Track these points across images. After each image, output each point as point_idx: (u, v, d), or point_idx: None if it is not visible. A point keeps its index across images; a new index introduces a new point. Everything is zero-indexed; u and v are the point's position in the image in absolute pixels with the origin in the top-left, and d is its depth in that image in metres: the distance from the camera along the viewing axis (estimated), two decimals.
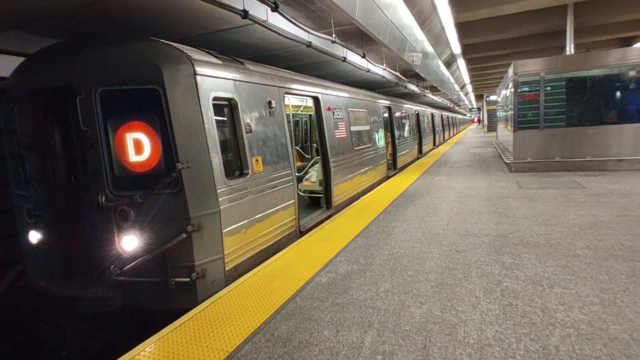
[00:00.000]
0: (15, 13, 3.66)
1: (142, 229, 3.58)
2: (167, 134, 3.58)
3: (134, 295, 3.64)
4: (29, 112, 3.95)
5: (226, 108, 4.27)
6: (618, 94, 8.81)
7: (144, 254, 3.54)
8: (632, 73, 8.58)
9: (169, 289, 3.55)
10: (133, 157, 3.67)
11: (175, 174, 3.54)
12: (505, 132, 13.51)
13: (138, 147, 3.66)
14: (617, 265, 3.51)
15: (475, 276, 3.47)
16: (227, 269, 3.89)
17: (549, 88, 9.12)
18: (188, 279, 3.58)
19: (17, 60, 4.19)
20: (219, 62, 4.23)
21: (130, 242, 3.58)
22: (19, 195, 4.22)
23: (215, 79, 4.01)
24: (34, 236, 4.00)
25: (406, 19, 8.15)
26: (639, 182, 7.15)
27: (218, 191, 3.81)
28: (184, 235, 3.55)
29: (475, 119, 61.07)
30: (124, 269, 3.52)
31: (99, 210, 3.64)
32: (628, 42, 16.50)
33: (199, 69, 3.79)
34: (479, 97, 45.02)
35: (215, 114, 3.94)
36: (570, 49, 11.97)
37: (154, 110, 3.60)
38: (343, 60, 7.45)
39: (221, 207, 3.83)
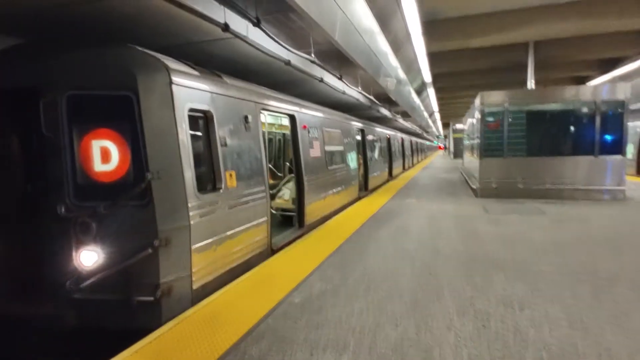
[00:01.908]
0: None
1: (104, 242, 3.35)
2: (138, 143, 3.42)
3: (90, 314, 3.37)
4: None
5: (201, 120, 4.16)
6: (572, 128, 9.40)
7: (105, 270, 3.31)
8: (584, 109, 9.20)
9: (131, 308, 3.31)
10: (99, 166, 3.48)
11: (144, 185, 3.37)
12: (471, 159, 14.04)
13: (105, 155, 3.47)
14: (580, 286, 3.63)
15: (449, 297, 3.48)
16: (194, 287, 3.69)
17: (511, 119, 9.61)
18: (152, 298, 3.35)
19: None
20: (197, 73, 4.15)
21: (90, 257, 3.34)
22: None
23: (191, 90, 3.92)
24: None
25: (382, 45, 8.42)
26: (595, 210, 7.56)
27: (189, 205, 3.65)
28: (150, 250, 3.35)
29: (442, 146, 63.35)
30: (81, 285, 3.26)
31: (57, 222, 3.39)
32: (582, 80, 17.84)
33: (176, 79, 3.69)
34: (446, 125, 46.86)
35: (190, 126, 3.82)
36: (530, 83, 12.76)
37: (125, 118, 3.45)
38: (320, 81, 7.55)
39: (191, 222, 3.66)
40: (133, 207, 3.41)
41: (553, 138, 9.44)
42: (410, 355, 2.57)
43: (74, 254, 3.37)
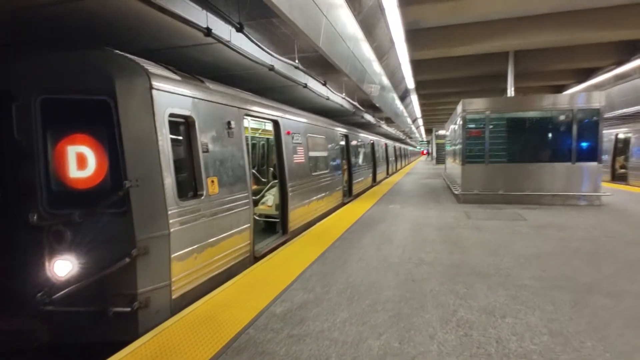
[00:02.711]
0: None
1: (79, 251, 3.24)
2: (116, 149, 3.32)
3: (63, 328, 3.23)
4: None
5: (182, 126, 4.08)
6: (550, 135, 9.64)
7: (80, 280, 3.18)
8: (561, 117, 9.45)
9: (106, 320, 3.19)
10: (74, 173, 3.36)
11: (122, 192, 3.27)
12: (453, 165, 14.24)
13: (81, 161, 3.36)
14: (560, 295, 3.68)
15: (431, 306, 3.48)
16: (174, 297, 3.59)
17: (492, 126, 9.79)
18: (129, 309, 3.25)
19: None
20: (178, 77, 4.06)
21: (63, 267, 3.22)
22: None
23: (172, 95, 3.83)
24: None
25: (366, 52, 8.47)
26: (572, 216, 7.74)
27: (169, 212, 3.56)
28: (128, 259, 3.25)
29: (425, 152, 64.18)
30: (54, 297, 3.13)
31: (29, 230, 3.25)
32: (559, 89, 18.37)
33: (156, 83, 3.60)
34: (428, 131, 47.51)
35: (171, 132, 3.74)
36: (510, 91, 13.06)
37: (102, 123, 3.35)
38: (304, 87, 7.54)
39: (171, 230, 3.57)
40: (110, 215, 3.31)
41: (532, 145, 9.65)
42: None
43: (46, 264, 3.24)
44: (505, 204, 9.33)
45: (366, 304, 3.53)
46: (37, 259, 3.23)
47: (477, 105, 9.96)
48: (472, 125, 10.03)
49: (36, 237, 3.26)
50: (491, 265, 4.60)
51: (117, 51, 3.64)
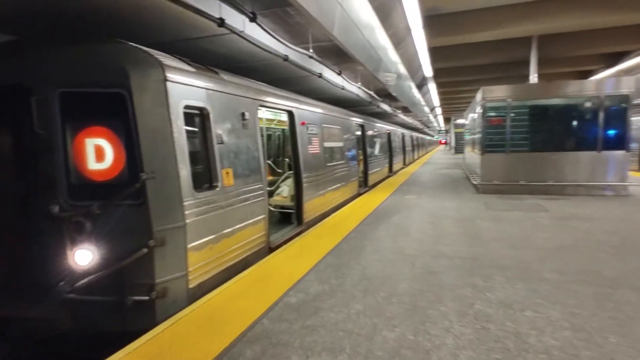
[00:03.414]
0: None
1: (98, 242, 3.30)
2: (132, 142, 3.35)
3: (84, 316, 3.32)
4: None
5: (197, 117, 4.09)
6: (575, 122, 9.30)
7: (99, 270, 3.26)
8: (587, 104, 9.08)
9: (125, 309, 3.26)
10: (93, 165, 3.41)
11: (139, 184, 3.31)
12: (472, 155, 13.94)
13: (99, 153, 3.41)
14: (583, 289, 3.56)
15: (448, 299, 3.42)
16: (190, 287, 3.64)
17: (514, 114, 9.50)
18: (147, 298, 3.31)
19: None
20: (192, 69, 4.06)
21: (84, 257, 3.29)
22: None
23: (187, 87, 3.84)
24: None
25: (382, 40, 8.30)
26: (597, 207, 7.48)
27: (184, 204, 3.59)
28: (145, 250, 3.30)
29: (443, 141, 63.13)
30: (75, 286, 3.21)
31: (51, 221, 3.33)
32: (586, 75, 17.65)
33: (170, 75, 3.61)
34: (447, 120, 46.65)
35: (186, 123, 3.75)
36: (533, 78, 12.62)
37: (118, 116, 3.38)
38: (319, 77, 7.45)
39: (187, 221, 3.61)
40: (127, 207, 3.35)
41: (555, 133, 9.34)
42: (408, 359, 2.51)
43: (68, 253, 3.32)
44: (527, 195, 9.09)
45: (381, 296, 3.50)
46: (59, 249, 3.32)
47: (498, 92, 9.68)
48: (493, 114, 9.77)
49: (57, 228, 3.34)
50: (511, 258, 4.49)
51: (131, 44, 3.66)
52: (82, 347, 3.28)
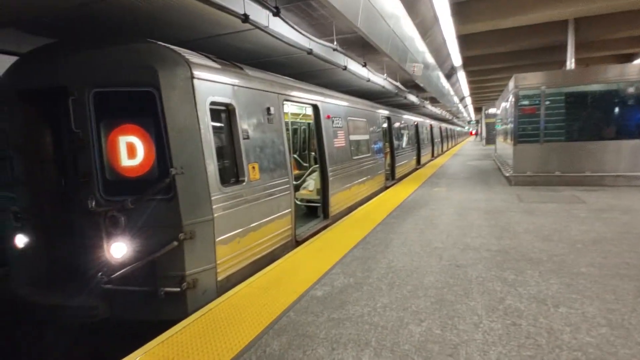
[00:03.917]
0: (9, 12, 3.56)
1: (132, 235, 3.45)
2: (162, 138, 3.47)
3: (120, 305, 3.49)
4: (19, 113, 3.83)
5: (223, 113, 4.17)
6: (616, 109, 8.79)
7: (134, 262, 3.40)
8: (630, 89, 8.57)
9: (158, 299, 3.40)
10: (125, 161, 3.56)
11: (168, 180, 3.42)
12: (504, 145, 13.48)
13: (131, 150, 3.54)
14: (623, 284, 3.39)
15: (477, 293, 3.35)
16: (219, 279, 3.75)
17: (549, 102, 9.09)
18: (178, 289, 3.43)
19: (13, 60, 4.07)
20: (218, 66, 4.14)
21: (119, 249, 3.44)
22: (5, 197, 4.07)
23: (213, 83, 3.91)
24: (20, 240, 3.86)
25: (408, 29, 8.12)
26: (638, 198, 7.08)
27: (212, 198, 3.69)
28: (176, 243, 3.41)
29: (474, 132, 61.32)
30: (112, 276, 3.38)
31: (88, 215, 3.50)
32: (627, 58, 16.61)
33: (197, 73, 3.69)
34: (477, 110, 45.25)
35: (212, 119, 3.83)
36: (570, 63, 11.99)
37: (148, 114, 3.49)
38: (344, 69, 7.39)
39: (215, 215, 3.70)
40: (158, 202, 3.47)
41: (594, 122, 8.87)
42: (434, 353, 2.49)
43: (104, 246, 3.48)
44: (562, 186, 8.71)
45: (407, 290, 3.47)
46: (97, 241, 3.49)
47: (532, 80, 9.27)
48: (526, 102, 9.39)
49: (95, 222, 3.50)
50: (544, 251, 4.33)
51: (160, 43, 3.76)
52: (119, 335, 3.44)
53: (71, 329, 3.51)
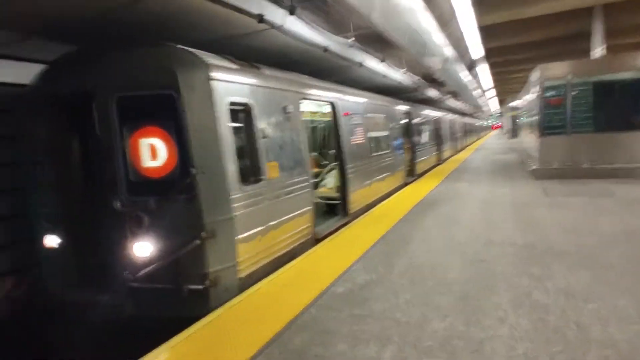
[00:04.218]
0: (36, 21, 3.71)
1: (155, 234, 3.53)
2: (182, 139, 3.54)
3: (146, 302, 3.58)
4: (47, 118, 3.98)
5: (241, 113, 4.21)
6: None
7: (158, 260, 3.49)
8: None
9: (182, 296, 3.47)
10: (148, 163, 3.65)
11: (189, 179, 3.49)
12: (529, 138, 13.10)
13: (153, 152, 3.63)
14: None
15: (502, 288, 3.27)
16: (240, 276, 3.79)
17: (576, 92, 8.76)
18: (201, 287, 3.50)
19: (41, 68, 4.23)
20: (235, 66, 4.19)
21: (143, 248, 3.54)
22: (36, 199, 4.23)
23: (230, 84, 3.96)
24: (50, 241, 4.01)
25: (426, 22, 8.00)
26: None
27: (232, 197, 3.73)
28: (198, 241, 3.48)
29: (498, 125, 59.83)
30: (137, 275, 3.47)
31: (114, 216, 3.61)
32: None
33: (214, 74, 3.74)
34: (501, 103, 44.14)
35: (231, 119, 3.88)
36: (598, 51, 11.53)
37: (169, 116, 3.57)
38: (360, 66, 7.33)
39: (235, 214, 3.74)
40: (180, 201, 3.55)
41: (625, 111, 8.50)
42: (459, 349, 2.44)
43: (130, 245, 3.59)
44: (590, 179, 8.39)
45: (430, 286, 3.42)
46: (122, 240, 3.60)
47: (557, 70, 8.98)
48: (551, 93, 9.09)
49: (120, 222, 3.62)
50: (572, 245, 4.19)
51: (178, 46, 3.84)
52: (144, 332, 3.54)
53: (98, 326, 3.62)
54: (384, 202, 7.47)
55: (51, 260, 4.07)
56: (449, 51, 11.28)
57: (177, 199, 3.53)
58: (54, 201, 4.04)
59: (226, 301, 3.43)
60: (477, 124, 43.49)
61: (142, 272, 3.46)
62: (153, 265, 3.47)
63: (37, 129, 4.06)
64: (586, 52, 12.99)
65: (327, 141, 11.52)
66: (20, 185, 4.33)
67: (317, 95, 5.83)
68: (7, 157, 4.41)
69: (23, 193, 4.33)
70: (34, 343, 3.91)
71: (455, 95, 19.45)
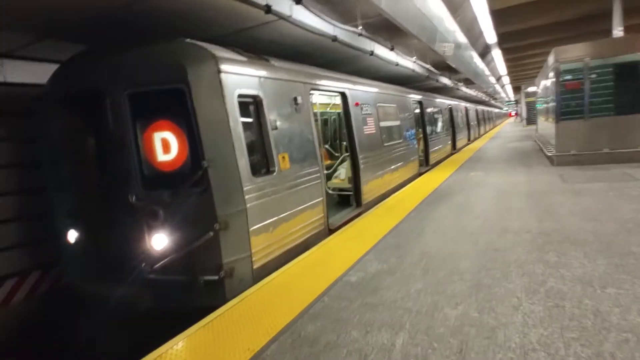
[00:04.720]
0: (49, 22, 3.78)
1: (170, 227, 3.60)
2: (193, 133, 3.57)
3: (164, 294, 3.66)
4: (63, 117, 4.07)
5: (251, 105, 4.23)
6: None
7: (173, 252, 3.56)
8: None
9: (198, 288, 3.54)
10: (161, 157, 3.70)
11: (201, 172, 3.53)
12: (546, 124, 12.79)
13: (165, 146, 3.68)
14: None
15: (516, 276, 3.23)
16: (254, 267, 3.84)
17: (594, 75, 8.49)
18: (216, 277, 3.55)
19: (55, 68, 4.32)
20: (244, 59, 4.19)
21: (159, 241, 3.61)
22: (56, 197, 4.36)
23: (239, 76, 3.97)
24: (71, 237, 4.13)
25: (436, 8, 7.84)
26: None
27: (244, 189, 3.76)
28: (211, 233, 3.53)
29: (513, 112, 58.56)
30: (154, 267, 3.55)
31: (130, 210, 3.69)
32: None
33: (223, 67, 3.76)
34: (516, 89, 43.14)
35: (241, 111, 3.90)
36: (618, 31, 11.11)
37: (180, 110, 3.61)
38: (370, 55, 7.25)
39: (247, 205, 3.78)
40: (193, 194, 3.59)
41: None
42: (471, 336, 2.43)
43: (146, 238, 3.67)
44: (611, 164, 8.16)
45: (442, 275, 3.40)
46: (139, 234, 3.68)
47: (574, 52, 8.69)
48: (568, 77, 8.82)
49: (136, 216, 3.69)
50: (590, 232, 4.10)
51: (187, 40, 3.86)
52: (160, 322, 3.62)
53: (119, 316, 3.73)
54: (397, 193, 7.43)
55: (71, 255, 4.19)
56: (461, 37, 11.04)
57: (190, 191, 3.58)
58: (73, 198, 4.14)
59: (241, 292, 3.48)
60: (493, 112, 42.65)
61: (159, 265, 3.53)
62: (169, 258, 3.54)
63: (53, 128, 4.16)
64: (600, 33, 12.52)
65: (338, 132, 11.51)
66: (40, 184, 4.46)
67: (327, 86, 5.81)
68: (29, 157, 4.54)
69: (43, 192, 4.46)
70: (59, 333, 4.04)
71: (469, 82, 19.09)
